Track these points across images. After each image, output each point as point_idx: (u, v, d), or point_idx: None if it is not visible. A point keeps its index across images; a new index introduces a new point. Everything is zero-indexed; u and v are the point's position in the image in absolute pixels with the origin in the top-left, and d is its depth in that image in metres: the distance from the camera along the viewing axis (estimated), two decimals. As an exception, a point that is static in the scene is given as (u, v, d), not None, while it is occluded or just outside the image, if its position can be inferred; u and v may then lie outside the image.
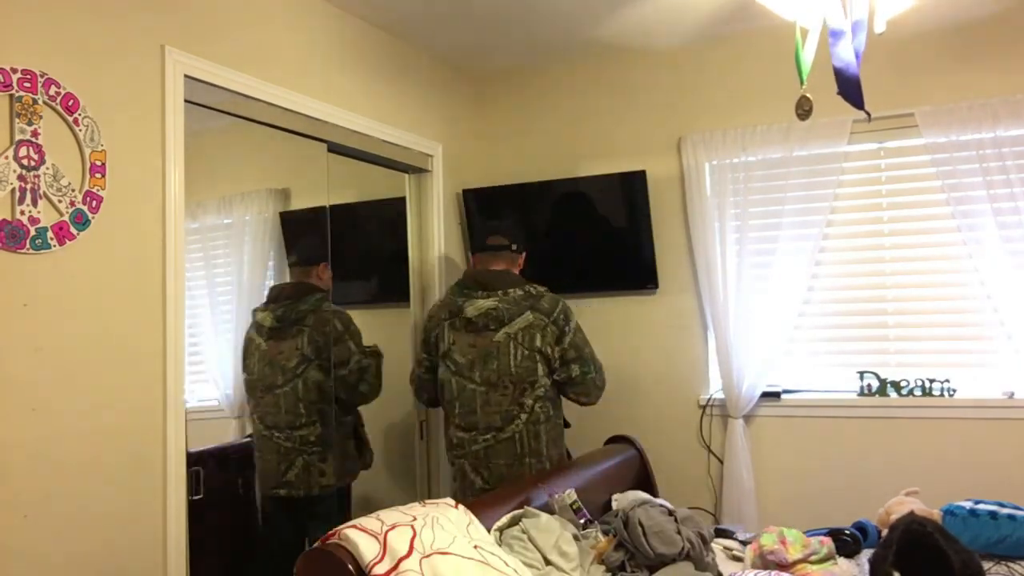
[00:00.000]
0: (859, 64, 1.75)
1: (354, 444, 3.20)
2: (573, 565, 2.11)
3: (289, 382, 2.93)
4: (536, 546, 2.10)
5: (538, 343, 2.81)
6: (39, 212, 1.98)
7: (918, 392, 3.21)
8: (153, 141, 2.30)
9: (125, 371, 2.19)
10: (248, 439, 2.93)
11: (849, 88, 1.76)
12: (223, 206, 2.90)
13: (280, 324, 2.93)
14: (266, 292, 3.00)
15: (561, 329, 2.84)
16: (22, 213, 1.95)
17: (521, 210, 3.78)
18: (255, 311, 2.93)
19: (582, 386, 2.89)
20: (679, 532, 2.18)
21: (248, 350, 2.89)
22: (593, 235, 3.69)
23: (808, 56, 1.87)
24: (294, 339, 2.95)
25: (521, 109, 3.93)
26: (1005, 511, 2.41)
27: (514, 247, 3.00)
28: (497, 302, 2.83)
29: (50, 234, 2.01)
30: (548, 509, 2.34)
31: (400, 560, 1.71)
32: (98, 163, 2.13)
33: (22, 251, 1.95)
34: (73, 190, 2.06)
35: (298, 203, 3.12)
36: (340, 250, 3.15)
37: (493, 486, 2.79)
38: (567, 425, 3.07)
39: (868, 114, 1.91)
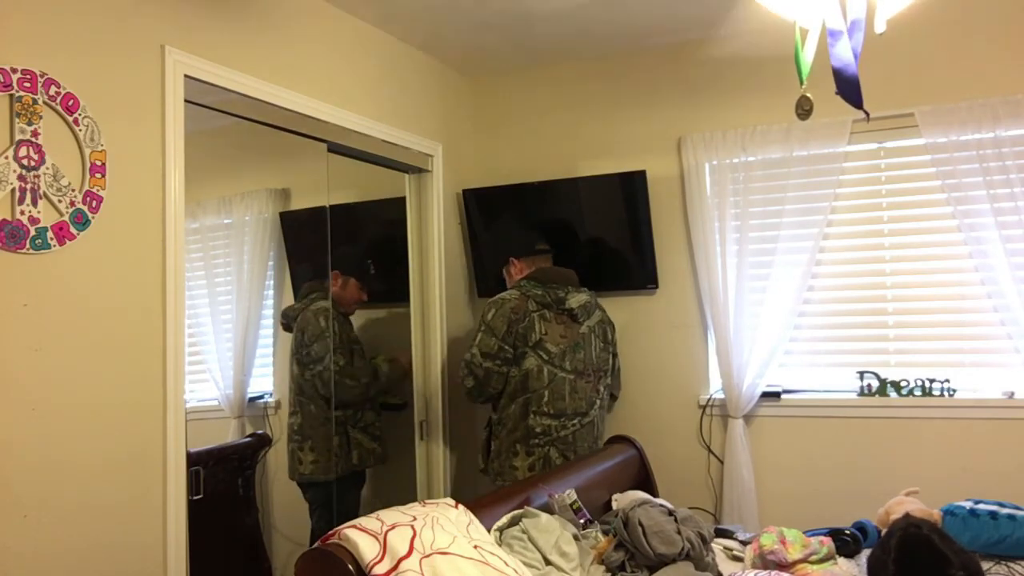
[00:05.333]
0: (857, 64, 1.75)
1: (339, 442, 3.23)
2: (573, 565, 2.11)
3: (289, 373, 3.11)
4: (536, 546, 2.10)
5: (610, 337, 3.29)
6: (39, 212, 1.98)
7: (918, 392, 3.21)
8: (153, 141, 2.30)
9: (125, 371, 2.19)
10: (248, 438, 2.95)
11: (848, 88, 1.75)
12: (223, 206, 2.90)
13: (285, 320, 3.13)
14: (270, 290, 3.14)
15: (612, 324, 3.34)
16: (22, 213, 1.95)
17: (521, 210, 3.78)
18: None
19: (616, 379, 3.41)
20: (679, 532, 2.18)
21: None
22: (593, 235, 3.69)
23: (808, 56, 1.87)
24: (293, 334, 3.12)
25: (521, 109, 3.93)
26: (1005, 511, 2.41)
27: (547, 248, 3.33)
28: (588, 297, 3.20)
29: (50, 234, 2.01)
30: (548, 509, 2.34)
31: (400, 560, 1.71)
32: (98, 163, 2.13)
33: (22, 251, 1.95)
34: (73, 190, 2.07)
35: (298, 203, 3.12)
36: (340, 250, 3.15)
37: None
38: None
39: (867, 114, 1.90)
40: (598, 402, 3.18)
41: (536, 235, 3.38)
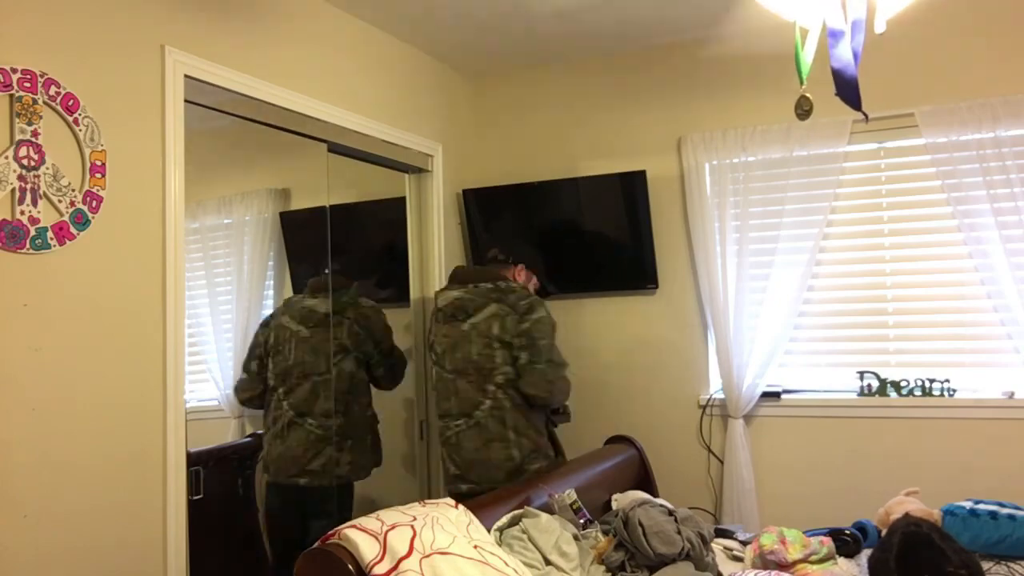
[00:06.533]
0: (858, 65, 1.75)
1: (371, 440, 3.25)
2: (573, 565, 2.11)
3: (328, 371, 3.02)
4: (536, 546, 2.10)
5: (496, 331, 2.90)
6: (39, 212, 1.98)
7: (918, 392, 3.21)
8: (153, 141, 2.30)
9: (125, 371, 2.19)
10: (248, 438, 2.93)
11: (847, 89, 1.75)
12: (223, 206, 2.90)
13: (327, 312, 3.06)
14: (270, 290, 3.06)
15: (521, 316, 2.90)
16: (22, 213, 1.95)
17: (521, 210, 3.78)
18: (291, 300, 3.04)
19: (530, 376, 2.86)
20: (679, 532, 2.18)
21: (282, 337, 2.96)
22: (593, 235, 3.69)
23: (808, 56, 1.87)
24: (337, 328, 3.08)
25: (521, 109, 3.93)
26: (1005, 511, 2.41)
27: (501, 257, 3.15)
28: (463, 293, 2.98)
29: (50, 234, 2.01)
30: (548, 509, 2.34)
31: (400, 560, 1.71)
32: (98, 163, 2.13)
33: (22, 251, 1.95)
34: (73, 190, 2.06)
35: (298, 203, 3.12)
36: (340, 250, 3.15)
37: (463, 472, 2.90)
38: (561, 414, 3.10)
39: (865, 115, 1.90)
40: (487, 402, 2.88)
41: (487, 246, 3.30)
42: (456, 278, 3.06)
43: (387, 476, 3.55)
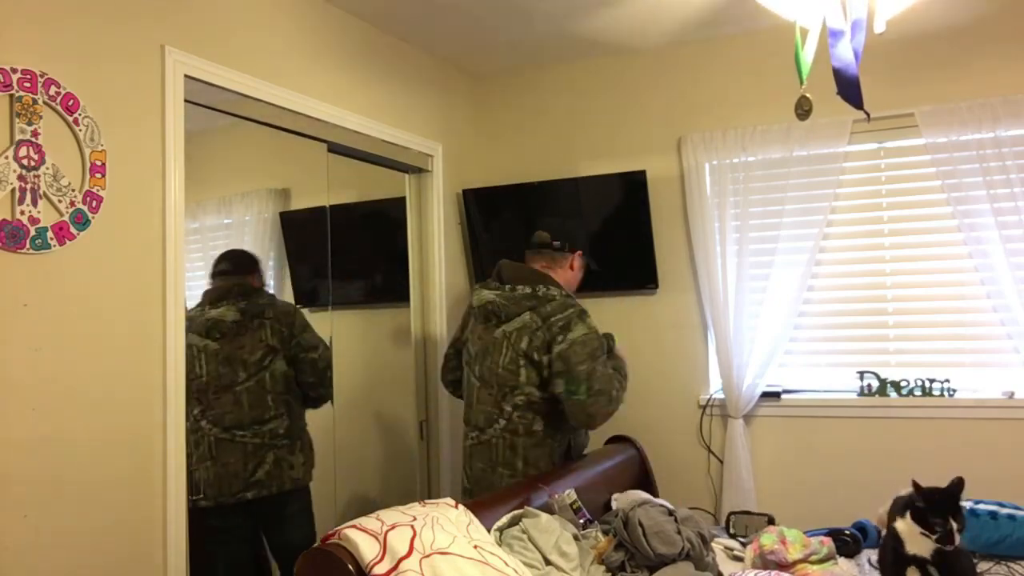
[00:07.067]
0: (858, 64, 1.75)
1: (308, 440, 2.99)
2: (573, 565, 2.11)
3: (253, 376, 2.79)
4: (536, 546, 2.10)
5: (524, 346, 2.62)
6: (39, 212, 1.98)
7: (918, 392, 3.21)
8: (153, 141, 2.30)
9: (125, 371, 2.19)
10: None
11: (848, 88, 1.76)
12: (223, 206, 2.90)
13: (242, 318, 2.79)
14: (270, 291, 2.99)
15: (553, 337, 2.60)
16: (22, 213, 1.95)
17: (521, 210, 3.79)
18: (192, 314, 2.67)
19: (567, 405, 2.61)
20: (679, 532, 2.18)
21: (190, 356, 2.61)
22: (593, 235, 3.69)
23: (808, 56, 1.87)
24: (256, 332, 2.81)
25: (521, 109, 3.93)
26: (1005, 511, 2.41)
27: (556, 244, 2.82)
28: (496, 296, 2.70)
29: (50, 234, 2.01)
30: (548, 509, 2.34)
31: (400, 560, 1.70)
32: (98, 163, 2.13)
33: (22, 251, 1.95)
34: (73, 190, 2.06)
35: (298, 203, 3.12)
36: (340, 250, 3.15)
37: (472, 487, 2.73)
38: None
39: (867, 114, 1.91)
40: (502, 422, 2.66)
41: (538, 228, 2.91)
42: (498, 275, 2.77)
43: (387, 476, 3.55)
